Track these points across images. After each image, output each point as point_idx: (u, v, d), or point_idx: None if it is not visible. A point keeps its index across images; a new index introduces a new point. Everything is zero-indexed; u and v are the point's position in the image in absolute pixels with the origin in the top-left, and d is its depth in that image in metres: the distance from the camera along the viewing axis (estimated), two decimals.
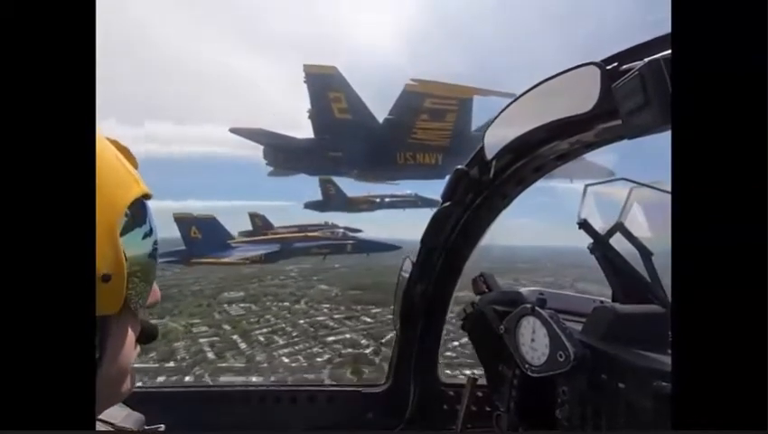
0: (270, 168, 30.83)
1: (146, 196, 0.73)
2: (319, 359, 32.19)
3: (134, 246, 0.69)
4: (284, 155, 29.14)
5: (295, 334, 36.47)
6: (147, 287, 0.75)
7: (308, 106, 28.28)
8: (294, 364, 31.35)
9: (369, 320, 39.40)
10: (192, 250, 31.58)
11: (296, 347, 34.09)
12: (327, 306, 42.74)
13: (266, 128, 29.45)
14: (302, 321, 39.16)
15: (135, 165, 0.76)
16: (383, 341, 34.58)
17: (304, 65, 27.58)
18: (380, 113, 29.43)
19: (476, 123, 28.40)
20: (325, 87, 27.69)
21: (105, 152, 0.68)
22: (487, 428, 1.76)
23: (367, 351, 33.65)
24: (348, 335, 36.61)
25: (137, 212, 0.70)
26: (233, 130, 28.79)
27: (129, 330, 0.73)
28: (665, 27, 0.79)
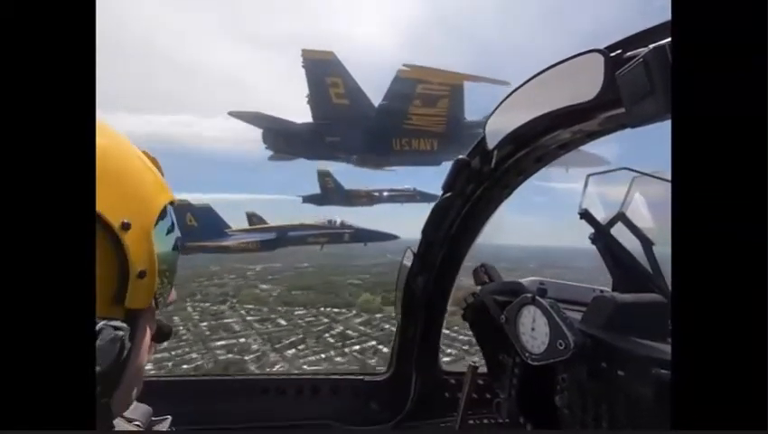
0: (270, 153, 30.74)
1: (172, 202, 0.79)
2: (186, 366, 30.44)
3: (159, 242, 0.73)
4: (283, 139, 29.07)
5: (186, 337, 34.87)
6: (169, 286, 0.80)
7: (305, 93, 28.12)
8: (151, 371, 29.49)
9: (282, 323, 38.60)
10: (188, 238, 31.00)
11: (173, 353, 31.85)
12: (250, 307, 41.81)
13: (264, 112, 29.19)
14: (204, 324, 37.70)
15: (162, 173, 0.81)
16: (277, 346, 33.82)
17: (302, 50, 27.39)
18: (377, 103, 29.27)
19: (471, 111, 28.39)
20: (323, 72, 27.57)
21: (138, 162, 0.74)
22: (488, 415, 1.79)
23: (248, 357, 32.38)
24: (243, 340, 35.44)
25: (161, 216, 0.75)
26: (232, 114, 28.54)
27: (148, 328, 0.78)
28: (669, 14, 0.78)
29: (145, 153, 0.78)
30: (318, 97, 27.94)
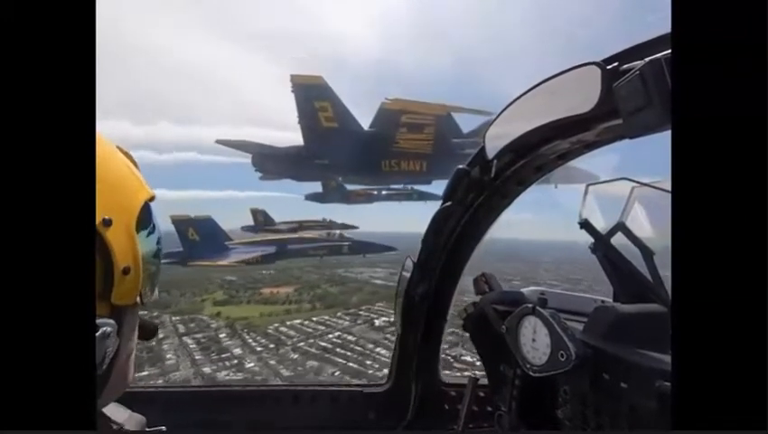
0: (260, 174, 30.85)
1: (151, 198, 0.79)
2: None
3: (141, 244, 0.73)
4: (272, 163, 29.45)
5: None
6: (152, 284, 0.81)
7: (296, 114, 28.47)
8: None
9: None
10: (190, 253, 31.90)
11: None
12: None
13: (252, 139, 29.83)
14: None
15: (137, 167, 0.81)
16: None
17: (291, 75, 27.89)
18: (365, 123, 30.07)
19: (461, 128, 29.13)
20: (312, 96, 28.01)
21: (116, 159, 0.74)
22: (488, 428, 1.75)
23: None
24: None
25: (142, 213, 0.75)
26: (220, 141, 28.89)
27: (135, 324, 0.80)
28: (665, 27, 0.80)
29: (118, 148, 0.78)
30: (307, 121, 28.30)
